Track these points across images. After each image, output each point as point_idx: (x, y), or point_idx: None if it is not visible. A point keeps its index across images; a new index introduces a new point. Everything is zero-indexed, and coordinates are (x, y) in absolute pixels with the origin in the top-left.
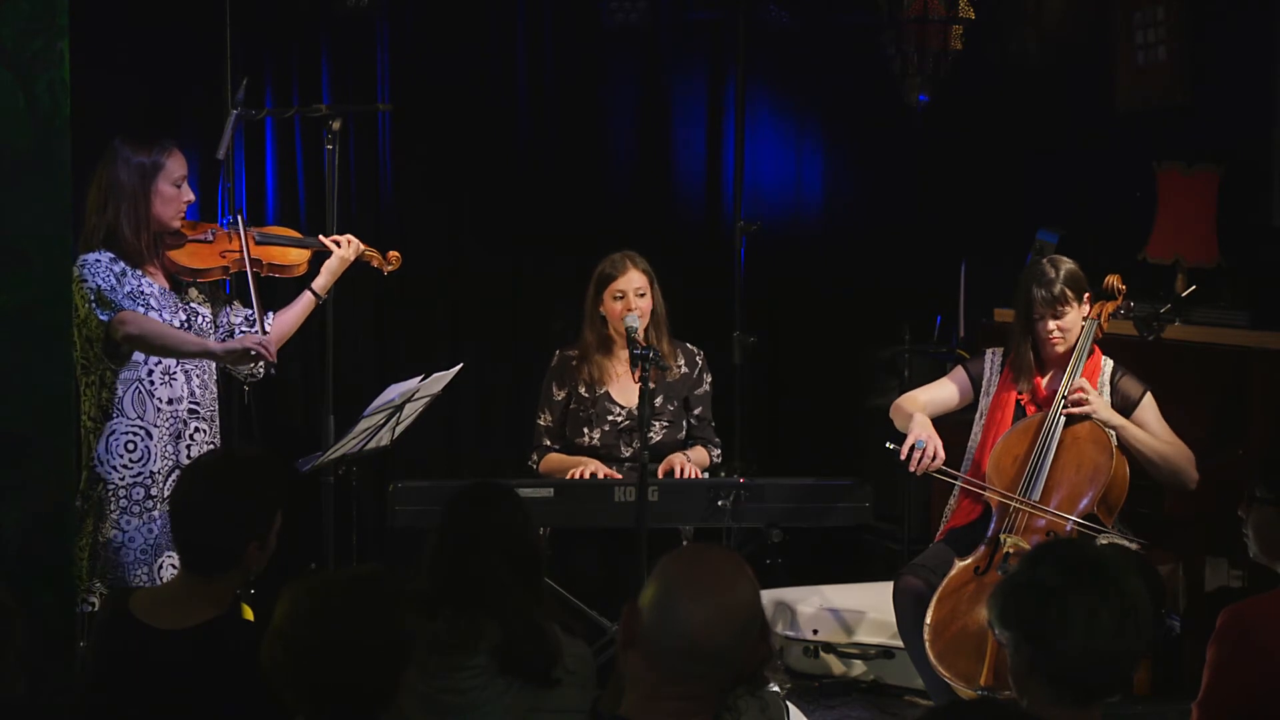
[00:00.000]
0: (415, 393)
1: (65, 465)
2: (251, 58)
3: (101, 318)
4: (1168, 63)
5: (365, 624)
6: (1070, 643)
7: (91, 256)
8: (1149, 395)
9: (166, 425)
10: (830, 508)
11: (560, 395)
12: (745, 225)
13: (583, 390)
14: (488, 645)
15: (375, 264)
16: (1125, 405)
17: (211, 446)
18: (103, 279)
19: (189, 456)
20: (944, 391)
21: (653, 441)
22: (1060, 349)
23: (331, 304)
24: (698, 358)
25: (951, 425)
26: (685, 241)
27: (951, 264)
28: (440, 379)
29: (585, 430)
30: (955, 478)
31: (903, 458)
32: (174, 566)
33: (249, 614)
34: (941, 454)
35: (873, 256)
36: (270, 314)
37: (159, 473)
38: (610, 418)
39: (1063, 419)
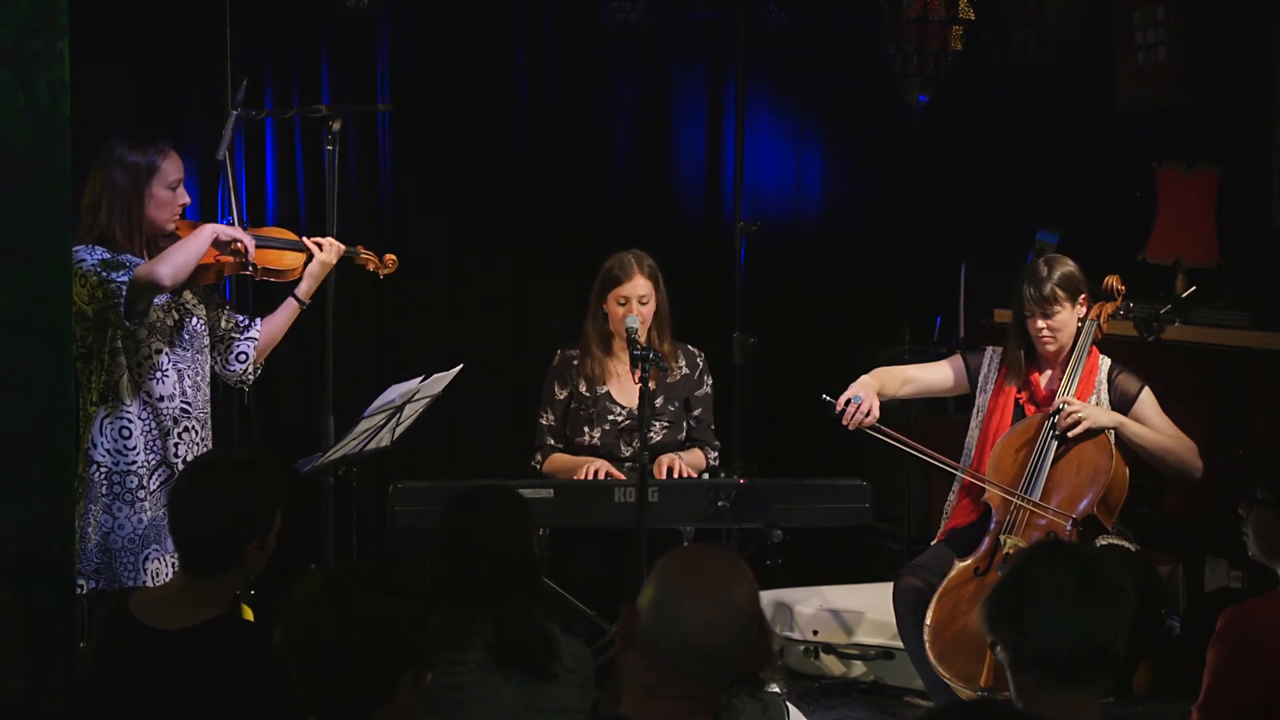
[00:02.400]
0: (415, 393)
1: (65, 465)
2: (251, 58)
3: (121, 279)
4: (1168, 63)
5: (384, 613)
6: (1040, 621)
7: (84, 247)
8: (1147, 390)
9: (154, 420)
10: (830, 508)
11: (562, 395)
12: (745, 225)
13: (583, 389)
14: (484, 641)
15: (371, 267)
16: (1123, 401)
17: (202, 447)
18: (101, 254)
19: (177, 455)
20: (936, 373)
21: (653, 442)
22: (1051, 348)
23: (331, 304)
24: (699, 359)
25: (950, 425)
26: (685, 242)
27: (951, 264)
28: (440, 379)
29: (586, 430)
30: (888, 436)
31: (838, 410)
32: (160, 559)
33: (249, 614)
34: (876, 413)
35: (873, 257)
36: (258, 320)
37: (147, 465)
38: (611, 417)
39: None
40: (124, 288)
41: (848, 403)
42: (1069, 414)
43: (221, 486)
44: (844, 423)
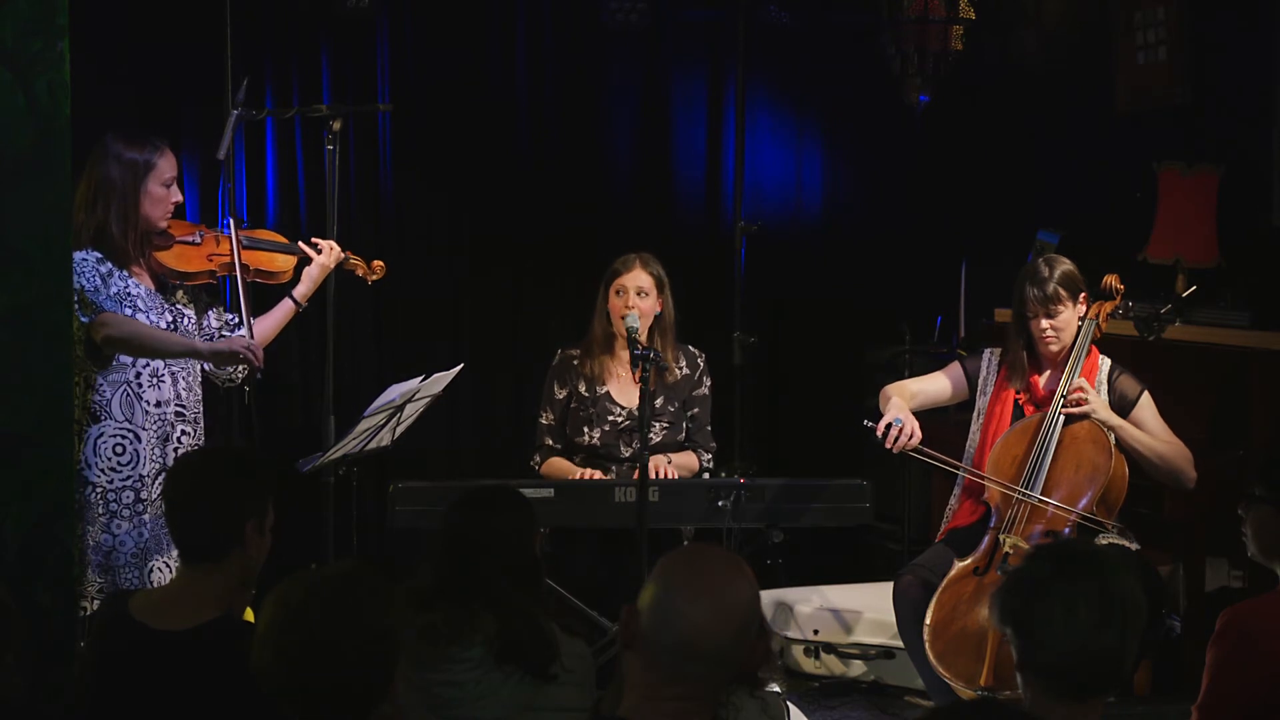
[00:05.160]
0: (416, 393)
1: (65, 465)
2: (251, 58)
3: (82, 319)
4: (1168, 63)
5: (348, 624)
6: (1052, 637)
7: (79, 255)
8: (1146, 394)
9: (154, 428)
10: (830, 508)
11: (561, 394)
12: (745, 225)
13: (583, 389)
14: (484, 638)
15: (360, 273)
16: (1123, 404)
17: (197, 448)
18: (87, 279)
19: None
20: (935, 385)
21: (653, 442)
22: (1054, 348)
23: (332, 305)
24: (699, 360)
25: (951, 425)
26: (685, 241)
27: (951, 264)
28: (441, 379)
29: (585, 430)
30: (933, 458)
31: (879, 434)
32: (164, 569)
33: (249, 615)
34: (918, 434)
35: (873, 256)
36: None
37: (147, 476)
38: (611, 417)
39: (1062, 418)
40: (85, 330)
41: (889, 426)
42: (1078, 391)
43: (211, 469)
44: (887, 446)
